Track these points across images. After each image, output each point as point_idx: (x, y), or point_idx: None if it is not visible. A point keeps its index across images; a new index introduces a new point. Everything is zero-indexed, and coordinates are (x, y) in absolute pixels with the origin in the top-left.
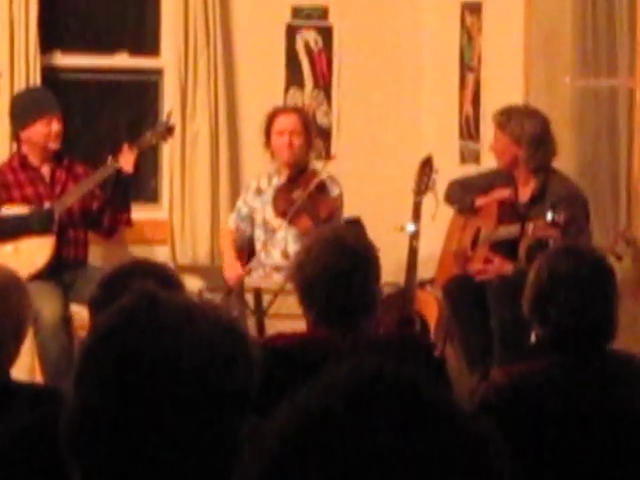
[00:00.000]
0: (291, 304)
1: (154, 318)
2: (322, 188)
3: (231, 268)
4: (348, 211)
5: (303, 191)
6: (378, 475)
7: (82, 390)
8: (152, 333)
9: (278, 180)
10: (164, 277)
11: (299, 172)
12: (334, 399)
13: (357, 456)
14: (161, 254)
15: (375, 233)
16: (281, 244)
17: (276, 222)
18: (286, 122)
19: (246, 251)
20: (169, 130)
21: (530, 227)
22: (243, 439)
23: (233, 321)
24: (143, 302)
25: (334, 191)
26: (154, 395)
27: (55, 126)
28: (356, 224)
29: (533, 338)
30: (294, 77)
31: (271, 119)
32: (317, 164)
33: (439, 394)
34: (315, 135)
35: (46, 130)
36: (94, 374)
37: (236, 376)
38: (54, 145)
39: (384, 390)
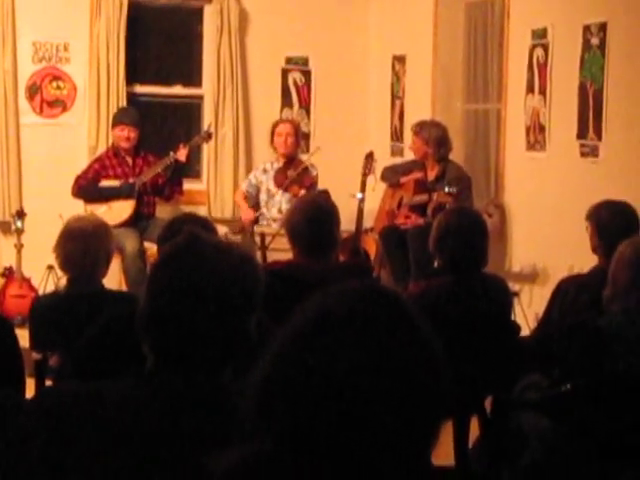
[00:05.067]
0: (283, 242)
1: (196, 249)
2: (306, 170)
3: (246, 213)
4: (320, 185)
5: (294, 171)
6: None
7: (149, 294)
8: (194, 259)
9: (277, 164)
10: (204, 224)
11: (291, 160)
12: (350, 300)
13: (365, 335)
14: (201, 211)
15: (337, 199)
16: (277, 204)
17: (275, 190)
18: (283, 128)
19: (254, 208)
20: (209, 135)
21: (434, 196)
22: (253, 329)
23: (246, 252)
24: (189, 239)
25: (313, 172)
26: (193, 297)
27: (126, 132)
28: (325, 193)
29: (435, 265)
30: (286, 101)
31: (275, 126)
32: (302, 155)
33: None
34: (301, 138)
35: (120, 134)
36: (157, 284)
37: (249, 287)
38: (125, 144)
39: (380, 295)
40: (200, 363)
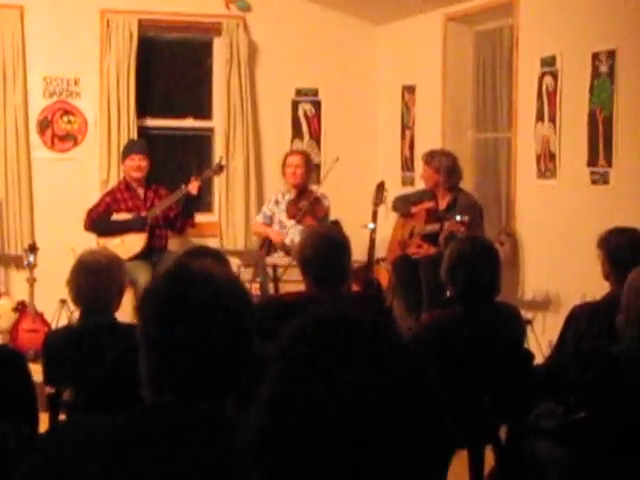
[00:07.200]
0: (296, 274)
1: (182, 279)
2: (318, 200)
3: (276, 235)
4: (331, 215)
5: (306, 201)
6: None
7: (140, 322)
8: (181, 288)
9: (289, 196)
10: (216, 256)
11: (302, 191)
12: (322, 326)
13: (335, 359)
14: (213, 243)
15: (348, 229)
16: (290, 235)
17: (288, 222)
18: (292, 160)
19: (268, 240)
20: (221, 168)
21: (446, 225)
22: (249, 359)
23: (236, 280)
24: (178, 268)
25: (325, 203)
26: (179, 325)
27: (137, 161)
28: (336, 224)
29: (447, 294)
30: (297, 132)
31: (285, 157)
32: (313, 186)
33: (387, 328)
34: (312, 168)
35: (131, 163)
36: (145, 312)
37: (238, 315)
38: (136, 174)
39: (351, 323)
40: (199, 393)
